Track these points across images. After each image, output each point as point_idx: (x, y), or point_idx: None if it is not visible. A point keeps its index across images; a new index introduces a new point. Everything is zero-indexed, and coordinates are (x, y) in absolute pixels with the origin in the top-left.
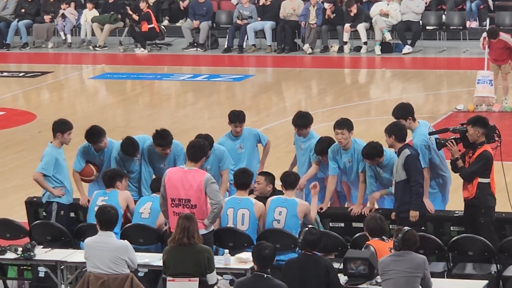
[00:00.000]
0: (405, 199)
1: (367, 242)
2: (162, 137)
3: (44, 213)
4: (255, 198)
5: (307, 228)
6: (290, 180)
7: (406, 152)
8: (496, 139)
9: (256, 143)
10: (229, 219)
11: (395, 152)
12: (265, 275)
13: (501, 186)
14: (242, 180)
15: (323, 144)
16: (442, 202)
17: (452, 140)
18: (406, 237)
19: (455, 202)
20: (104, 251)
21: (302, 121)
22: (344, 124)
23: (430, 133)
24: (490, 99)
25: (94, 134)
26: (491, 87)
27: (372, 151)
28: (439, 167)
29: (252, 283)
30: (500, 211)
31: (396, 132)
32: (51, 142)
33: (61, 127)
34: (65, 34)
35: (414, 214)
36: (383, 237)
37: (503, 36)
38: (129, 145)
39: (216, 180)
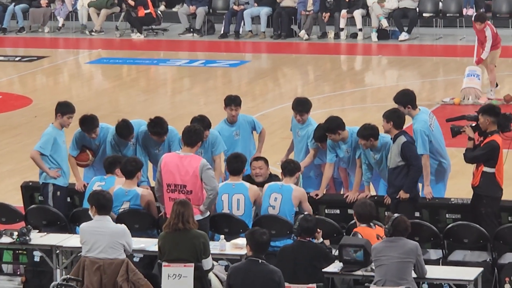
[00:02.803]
0: (397, 184)
1: (355, 229)
2: (159, 125)
3: (40, 197)
4: (259, 184)
5: (302, 215)
6: (289, 167)
7: (402, 139)
8: None
9: (252, 130)
10: (224, 205)
11: (391, 138)
12: (260, 261)
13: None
14: (235, 165)
15: (321, 131)
16: (440, 189)
17: (467, 127)
18: (396, 223)
19: (451, 189)
20: (102, 235)
21: (304, 106)
22: (333, 130)
23: (448, 120)
24: (477, 91)
25: (86, 124)
26: (478, 81)
27: (368, 132)
28: (438, 153)
29: (247, 268)
30: None
31: (395, 119)
32: (52, 123)
33: (63, 109)
34: (63, 22)
35: (404, 196)
36: (370, 223)
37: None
38: (124, 127)
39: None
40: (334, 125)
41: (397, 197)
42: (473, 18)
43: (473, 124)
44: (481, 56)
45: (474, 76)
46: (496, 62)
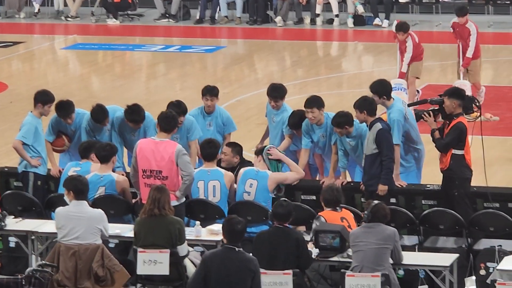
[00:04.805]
0: (372, 171)
1: (319, 213)
2: (136, 113)
3: (15, 183)
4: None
5: (277, 201)
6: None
7: (378, 126)
8: (476, 110)
9: (223, 125)
10: (200, 192)
11: (367, 126)
12: (236, 249)
13: (474, 158)
14: (208, 150)
15: (296, 118)
16: (417, 176)
17: (430, 111)
18: (375, 210)
19: (427, 175)
20: (80, 220)
21: (279, 92)
22: (312, 103)
23: (409, 105)
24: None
25: (61, 109)
26: (406, 95)
27: (343, 120)
28: (415, 140)
29: (224, 255)
30: (471, 185)
31: (367, 106)
32: (31, 112)
33: (43, 98)
34: (39, 7)
35: (382, 188)
36: (336, 207)
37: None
38: (99, 112)
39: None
40: (316, 98)
41: (376, 192)
42: (394, 28)
43: (436, 108)
44: (401, 70)
45: (400, 90)
46: (419, 74)
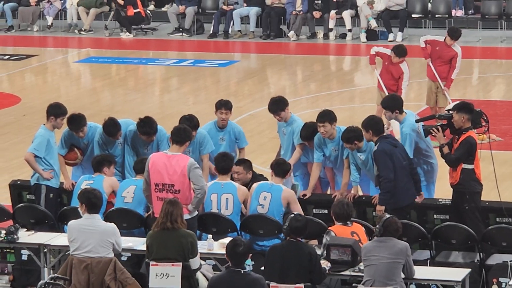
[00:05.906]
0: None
1: (329, 228)
2: (148, 125)
3: (28, 196)
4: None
5: (293, 215)
6: (281, 168)
7: (374, 148)
8: (484, 124)
9: (235, 140)
10: (213, 205)
11: (375, 145)
12: (242, 271)
13: (486, 174)
14: (222, 164)
15: (309, 130)
16: (428, 189)
17: (438, 127)
18: (387, 224)
19: (439, 190)
20: (92, 233)
21: (277, 105)
22: (325, 117)
23: (417, 121)
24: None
25: (73, 122)
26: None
27: (351, 135)
28: (426, 154)
29: (230, 279)
30: (483, 200)
31: (373, 125)
32: (44, 124)
33: (55, 111)
34: (52, 21)
35: (379, 209)
36: (347, 222)
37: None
38: (111, 125)
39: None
40: (328, 113)
41: (373, 211)
42: (392, 51)
43: (444, 123)
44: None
45: None
46: None
